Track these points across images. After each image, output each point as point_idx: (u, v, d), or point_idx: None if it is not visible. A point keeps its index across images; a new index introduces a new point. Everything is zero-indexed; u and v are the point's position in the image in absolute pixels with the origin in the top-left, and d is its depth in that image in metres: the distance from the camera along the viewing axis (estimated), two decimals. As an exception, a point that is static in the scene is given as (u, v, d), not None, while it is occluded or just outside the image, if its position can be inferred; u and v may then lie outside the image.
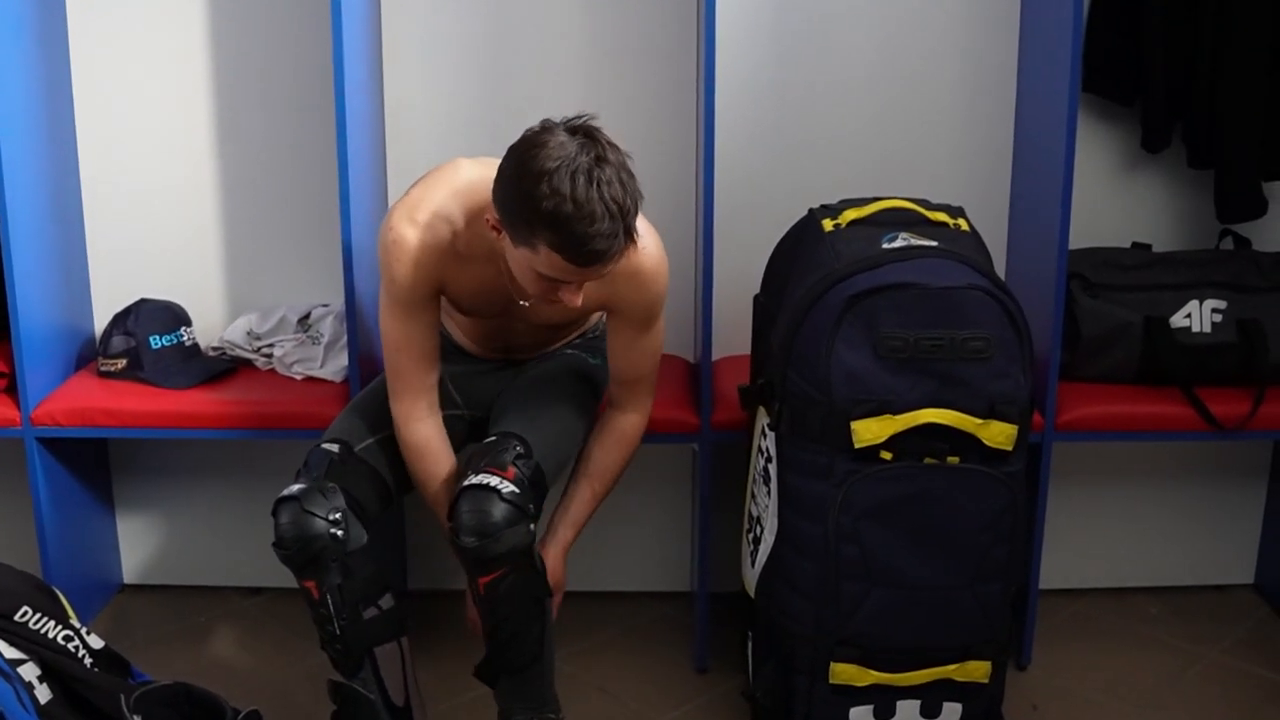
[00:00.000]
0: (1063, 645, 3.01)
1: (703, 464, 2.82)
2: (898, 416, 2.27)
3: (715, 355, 2.82)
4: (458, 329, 2.58)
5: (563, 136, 2.06)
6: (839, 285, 2.31)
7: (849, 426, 2.27)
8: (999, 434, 2.28)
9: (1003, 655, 2.47)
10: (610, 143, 2.08)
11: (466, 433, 2.59)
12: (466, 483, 2.25)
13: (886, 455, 2.29)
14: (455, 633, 2.73)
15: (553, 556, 2.43)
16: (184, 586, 3.31)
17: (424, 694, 2.46)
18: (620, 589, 3.22)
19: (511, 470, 2.27)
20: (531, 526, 2.26)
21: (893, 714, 2.44)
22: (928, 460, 2.29)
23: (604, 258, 2.08)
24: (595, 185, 2.03)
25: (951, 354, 2.26)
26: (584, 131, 2.08)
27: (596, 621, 3.10)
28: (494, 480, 2.24)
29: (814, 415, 2.31)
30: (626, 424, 2.49)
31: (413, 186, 2.34)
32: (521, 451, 2.31)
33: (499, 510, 2.21)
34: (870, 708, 2.44)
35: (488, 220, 2.16)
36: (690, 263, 2.92)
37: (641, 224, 2.20)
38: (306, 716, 2.64)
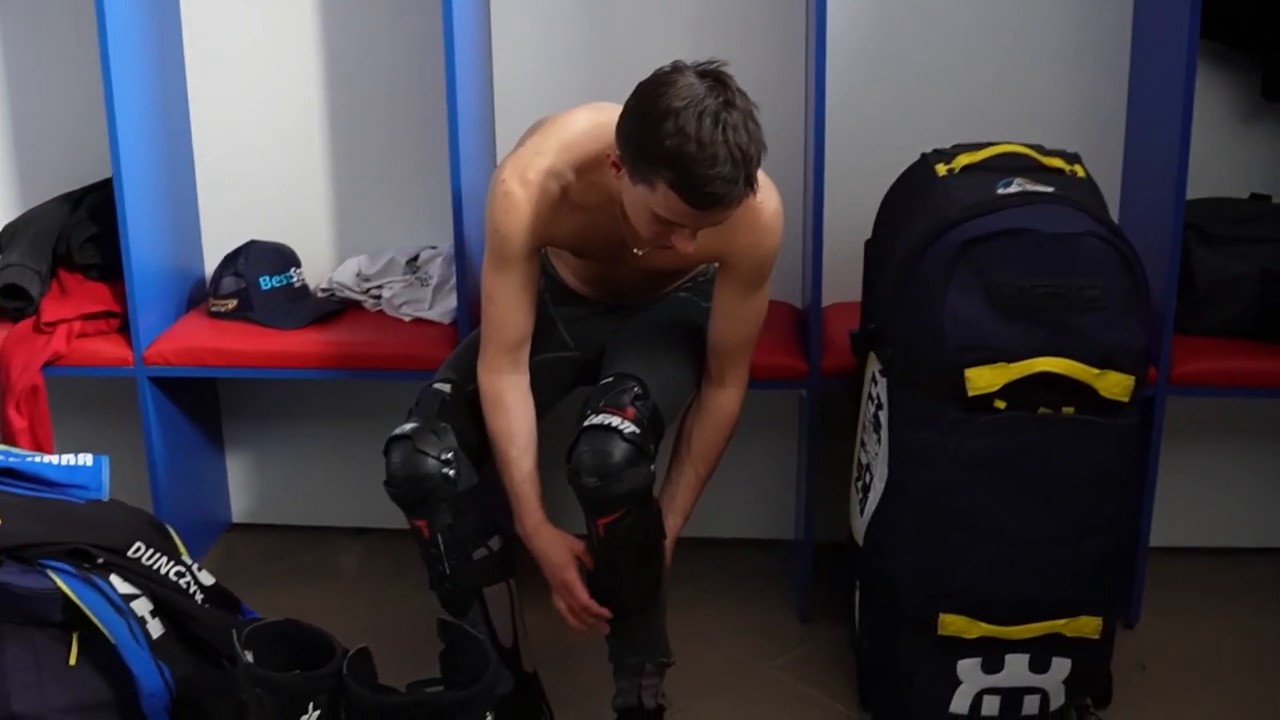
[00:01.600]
0: (1171, 605, 2.96)
1: (810, 410, 2.80)
2: (1012, 365, 2.23)
3: (825, 301, 2.79)
4: (569, 272, 2.57)
5: (692, 78, 2.04)
6: (952, 231, 2.27)
7: (962, 374, 2.24)
8: (1115, 385, 2.23)
9: (1112, 612, 2.43)
10: (740, 90, 2.07)
11: (576, 375, 2.59)
12: (587, 423, 2.25)
13: (1000, 404, 2.25)
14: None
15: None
16: (291, 526, 3.36)
17: (531, 636, 2.47)
18: (724, 535, 3.22)
19: (631, 410, 2.26)
20: (651, 468, 2.26)
21: (1000, 667, 2.41)
22: (1041, 410, 2.26)
23: (721, 201, 2.06)
24: (721, 128, 2.00)
25: (1065, 303, 2.22)
26: (714, 76, 2.06)
27: (699, 568, 3.09)
28: (614, 420, 2.23)
29: (925, 362, 2.28)
30: (725, 402, 2.44)
31: (526, 137, 2.33)
32: (640, 392, 2.29)
33: (620, 450, 2.21)
34: (978, 660, 2.40)
35: (609, 157, 2.14)
36: (799, 207, 2.88)
37: (762, 177, 2.17)
38: (414, 655, 2.65)
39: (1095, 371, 2.23)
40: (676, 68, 2.07)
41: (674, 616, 2.42)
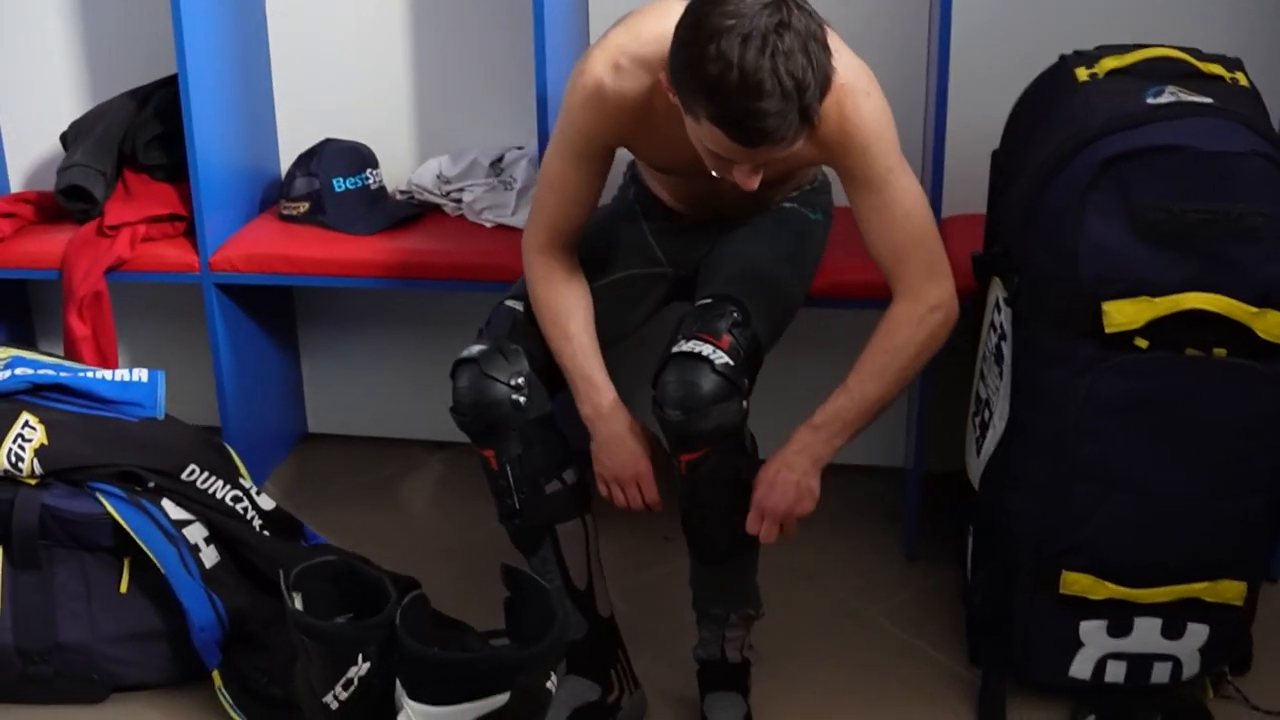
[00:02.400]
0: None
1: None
2: (1157, 300, 1.96)
3: (945, 213, 2.52)
4: (660, 185, 2.34)
5: None
6: (1093, 145, 1.99)
7: (1099, 307, 1.98)
8: (1275, 325, 1.96)
9: (1258, 575, 2.18)
10: (801, 5, 1.78)
11: (669, 291, 2.36)
12: (675, 349, 2.02)
13: (1141, 343, 1.99)
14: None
15: (772, 462, 2.07)
16: (367, 438, 3.21)
17: (605, 568, 2.27)
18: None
19: (726, 338, 2.02)
20: (744, 403, 2.02)
21: (1129, 632, 2.17)
22: (1189, 352, 1.99)
23: (768, 139, 1.79)
24: (769, 54, 1.73)
25: (1222, 230, 1.94)
26: None
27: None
28: (706, 349, 2.00)
29: (1058, 293, 2.03)
30: (894, 312, 2.06)
31: (616, 26, 2.08)
32: (738, 318, 2.06)
33: (709, 382, 1.98)
34: (1104, 623, 2.17)
35: (662, 79, 1.90)
36: (919, 112, 2.61)
37: (852, 67, 1.93)
38: (492, 582, 2.50)
39: (1253, 310, 1.96)
40: None
41: (769, 549, 2.19)
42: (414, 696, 1.89)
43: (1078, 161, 2.00)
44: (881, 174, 2.02)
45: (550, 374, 2.15)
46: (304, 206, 2.81)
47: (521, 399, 2.08)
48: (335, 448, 3.19)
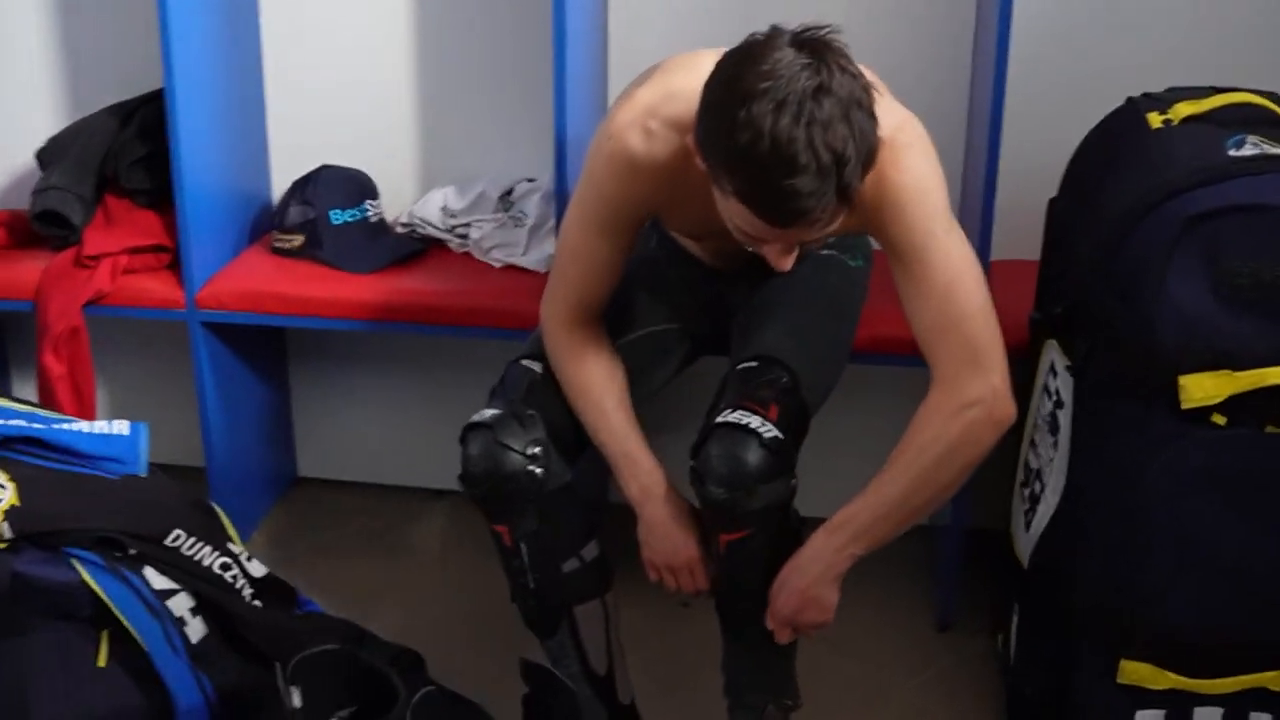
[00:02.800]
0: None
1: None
2: (1239, 374, 1.79)
3: (992, 255, 2.33)
4: (689, 243, 2.15)
5: (787, 52, 1.57)
6: (1177, 199, 1.82)
7: (1176, 381, 1.81)
8: (1366, 401, 1.80)
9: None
10: (844, 65, 1.58)
11: (695, 347, 2.18)
12: (719, 418, 1.84)
13: (1219, 419, 1.82)
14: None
15: (790, 566, 1.88)
16: (362, 484, 3.02)
17: (629, 655, 2.10)
18: None
19: (774, 408, 1.83)
20: (794, 481, 1.85)
21: (1188, 721, 2.01)
22: (1270, 430, 1.82)
23: (803, 219, 1.60)
24: (806, 124, 1.53)
25: (1315, 296, 1.77)
26: (812, 47, 1.58)
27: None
28: (754, 420, 1.81)
29: (1132, 363, 1.85)
30: (924, 405, 1.82)
31: (644, 84, 1.87)
32: (788, 384, 1.87)
33: (757, 458, 1.80)
34: (1161, 714, 2.01)
35: (689, 142, 1.70)
36: (959, 150, 2.44)
37: (895, 117, 1.73)
38: (495, 652, 2.33)
39: (1339, 384, 1.79)
40: (771, 34, 1.60)
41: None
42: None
43: (1159, 217, 1.82)
44: (921, 239, 1.78)
45: (568, 440, 1.97)
46: (298, 240, 2.62)
47: (539, 470, 1.90)
48: (328, 493, 3.01)
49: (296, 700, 1.78)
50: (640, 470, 1.94)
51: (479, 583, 2.59)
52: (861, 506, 1.84)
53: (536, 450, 1.91)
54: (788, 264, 1.71)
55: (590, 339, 1.97)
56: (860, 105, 1.58)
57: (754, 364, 1.91)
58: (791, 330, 1.98)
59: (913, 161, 1.78)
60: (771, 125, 1.53)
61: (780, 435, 1.82)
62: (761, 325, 2.00)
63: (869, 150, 1.59)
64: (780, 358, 1.90)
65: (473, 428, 1.92)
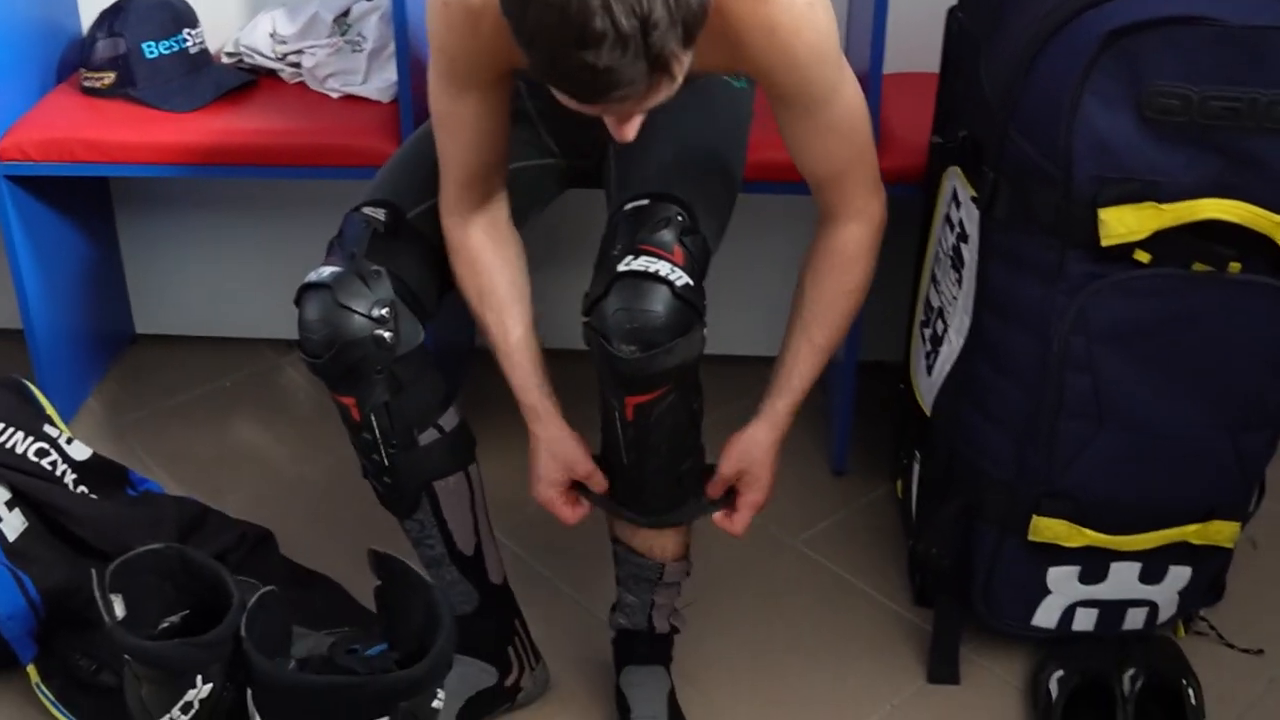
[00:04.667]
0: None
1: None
2: (1166, 206, 1.61)
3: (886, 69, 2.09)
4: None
5: None
6: (1091, 12, 1.61)
7: (1095, 215, 1.62)
8: (1304, 235, 1.63)
9: (1252, 513, 1.89)
10: None
11: (559, 185, 1.95)
12: (622, 267, 1.59)
13: (1143, 257, 1.64)
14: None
15: (759, 445, 1.76)
16: (207, 338, 2.77)
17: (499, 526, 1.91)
18: (748, 353, 2.52)
19: (679, 251, 1.61)
20: (705, 331, 1.63)
21: (1103, 578, 1.88)
22: (1197, 267, 1.65)
23: (607, 94, 1.35)
24: None
25: (1252, 121, 1.58)
26: None
27: (709, 393, 2.50)
28: (662, 267, 1.58)
29: (1044, 196, 1.66)
30: (842, 240, 1.71)
31: None
32: (686, 223, 1.64)
33: (670, 308, 1.57)
34: (1075, 570, 1.88)
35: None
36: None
37: None
38: (351, 522, 2.14)
39: (1277, 219, 1.62)
40: None
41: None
42: (269, 723, 1.53)
43: (1074, 33, 1.61)
44: (824, 94, 1.59)
45: (421, 297, 1.74)
46: (109, 77, 2.32)
47: (387, 334, 1.66)
48: (170, 351, 2.75)
49: (119, 609, 1.57)
50: (526, 402, 1.74)
51: (341, 442, 2.38)
52: (797, 368, 1.74)
53: (383, 312, 1.66)
54: (629, 133, 1.47)
55: (486, 231, 1.73)
56: None
57: (644, 202, 1.66)
58: (680, 163, 1.73)
59: (813, 15, 1.54)
60: None
61: (690, 281, 1.59)
62: (645, 158, 1.74)
63: (691, 7, 1.32)
64: (673, 194, 1.67)
65: (309, 288, 1.67)
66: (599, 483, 1.74)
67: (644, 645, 1.90)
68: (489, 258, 1.73)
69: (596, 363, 1.62)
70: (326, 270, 1.67)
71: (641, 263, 1.58)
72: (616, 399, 1.64)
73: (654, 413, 1.64)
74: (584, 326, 1.61)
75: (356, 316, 1.65)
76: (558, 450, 1.73)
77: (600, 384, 1.66)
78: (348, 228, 1.74)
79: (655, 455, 1.69)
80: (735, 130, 1.87)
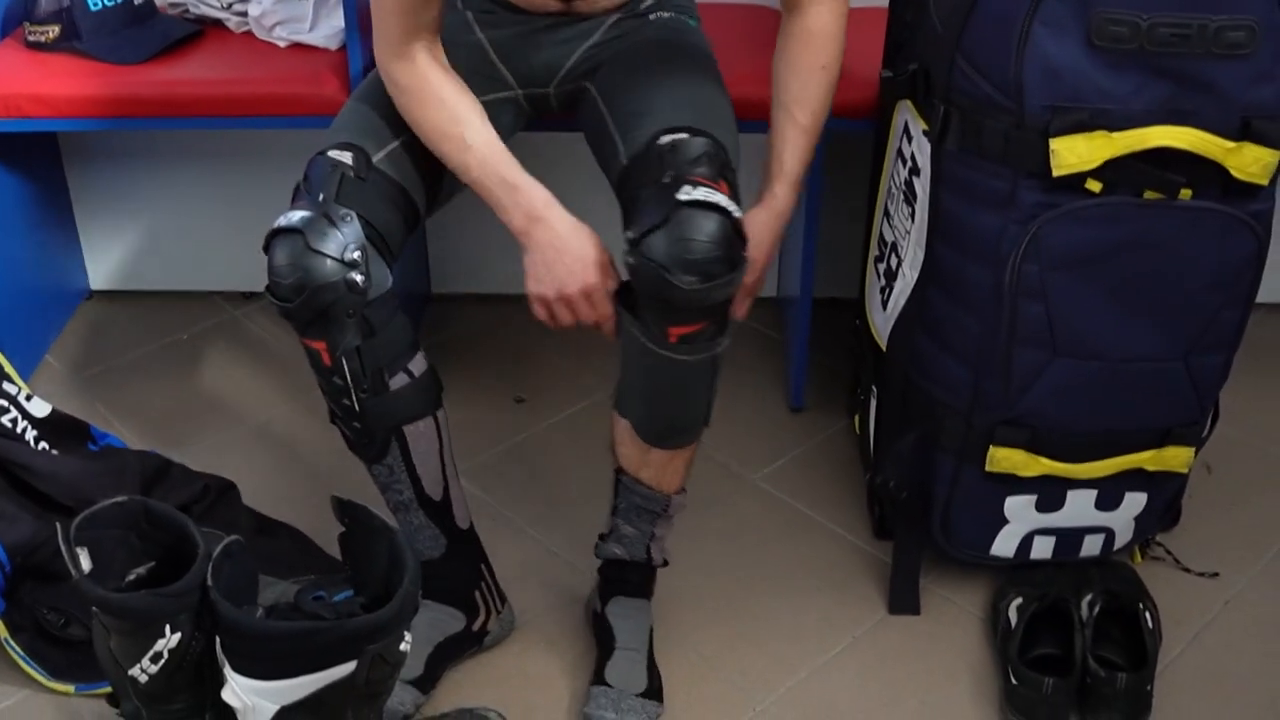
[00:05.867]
0: (1240, 389, 2.41)
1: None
2: (1116, 135, 1.62)
3: None
4: None
5: None
6: (1042, -62, 1.62)
7: (1046, 145, 1.63)
8: (1252, 161, 1.64)
9: (1206, 438, 1.91)
10: None
11: (517, 118, 1.95)
12: (683, 197, 1.59)
13: (1094, 186, 1.65)
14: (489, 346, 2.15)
15: (761, 225, 1.76)
16: (163, 292, 2.76)
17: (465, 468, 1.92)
18: None
19: (724, 184, 1.62)
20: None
21: (1059, 505, 1.91)
22: (1149, 195, 1.66)
23: None
24: None
25: (1199, 46, 1.59)
26: None
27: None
28: (720, 199, 1.58)
29: (994, 126, 1.67)
30: (810, 20, 1.75)
31: None
32: (723, 157, 1.66)
33: (729, 240, 1.57)
34: (1032, 499, 1.90)
35: None
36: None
37: None
38: (315, 472, 2.14)
39: (1228, 145, 1.63)
40: None
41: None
42: (239, 669, 1.53)
43: (1022, -39, 1.62)
44: None
45: (390, 240, 1.73)
46: (53, 30, 2.29)
47: (359, 278, 1.66)
48: (127, 307, 2.74)
49: (85, 563, 1.56)
50: (519, 192, 1.70)
51: (302, 393, 2.38)
52: (786, 149, 1.77)
53: (355, 255, 1.65)
54: None
55: (431, 69, 1.72)
56: None
57: (683, 135, 1.67)
58: (694, 101, 1.75)
59: None
60: None
61: (739, 217, 1.60)
62: (653, 94, 1.76)
63: None
64: (697, 127, 1.67)
65: (278, 233, 1.66)
66: (601, 302, 1.70)
67: (636, 576, 1.92)
68: (450, 89, 1.72)
69: (646, 292, 1.61)
70: (296, 214, 1.66)
71: (702, 193, 1.58)
72: (659, 328, 1.64)
73: (693, 345, 1.64)
74: (632, 254, 1.59)
75: (328, 260, 1.64)
76: (581, 229, 1.70)
77: (638, 314, 1.65)
78: (313, 171, 1.72)
79: (688, 388, 1.71)
80: (717, 72, 1.88)
